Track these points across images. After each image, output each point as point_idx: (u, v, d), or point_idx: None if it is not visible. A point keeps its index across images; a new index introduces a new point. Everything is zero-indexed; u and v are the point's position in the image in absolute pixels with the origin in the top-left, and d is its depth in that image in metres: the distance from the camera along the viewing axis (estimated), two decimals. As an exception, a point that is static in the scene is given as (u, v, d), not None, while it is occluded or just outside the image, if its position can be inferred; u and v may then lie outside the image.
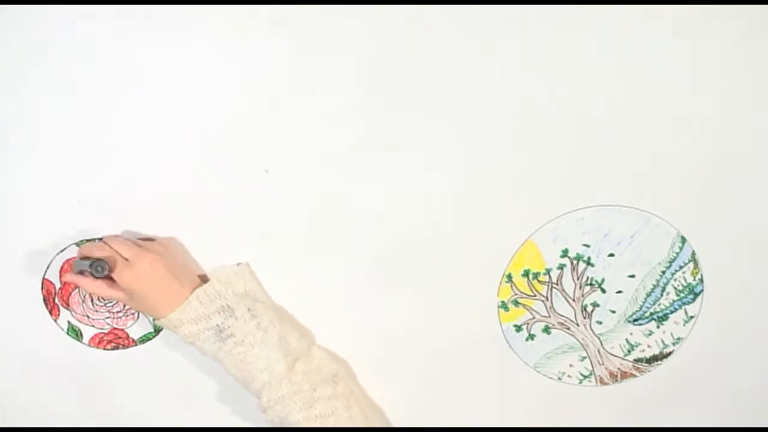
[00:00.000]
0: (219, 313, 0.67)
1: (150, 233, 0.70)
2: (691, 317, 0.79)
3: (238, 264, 0.71)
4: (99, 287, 0.66)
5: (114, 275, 0.64)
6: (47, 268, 0.71)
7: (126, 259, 0.65)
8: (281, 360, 0.68)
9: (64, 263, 0.71)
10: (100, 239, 0.69)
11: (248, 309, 0.68)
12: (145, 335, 0.75)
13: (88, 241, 0.70)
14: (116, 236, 0.69)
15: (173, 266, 0.66)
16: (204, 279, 0.71)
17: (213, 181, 0.68)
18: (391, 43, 0.63)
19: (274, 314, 0.70)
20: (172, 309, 0.66)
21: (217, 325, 0.66)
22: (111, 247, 0.65)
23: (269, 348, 0.68)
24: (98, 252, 0.65)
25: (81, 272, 0.66)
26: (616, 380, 0.82)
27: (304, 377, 0.69)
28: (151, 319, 0.74)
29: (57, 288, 0.72)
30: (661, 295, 0.77)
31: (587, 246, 0.74)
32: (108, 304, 0.74)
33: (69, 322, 0.74)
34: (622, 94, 0.67)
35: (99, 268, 0.63)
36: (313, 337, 0.76)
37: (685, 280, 0.77)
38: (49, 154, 0.66)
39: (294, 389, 0.68)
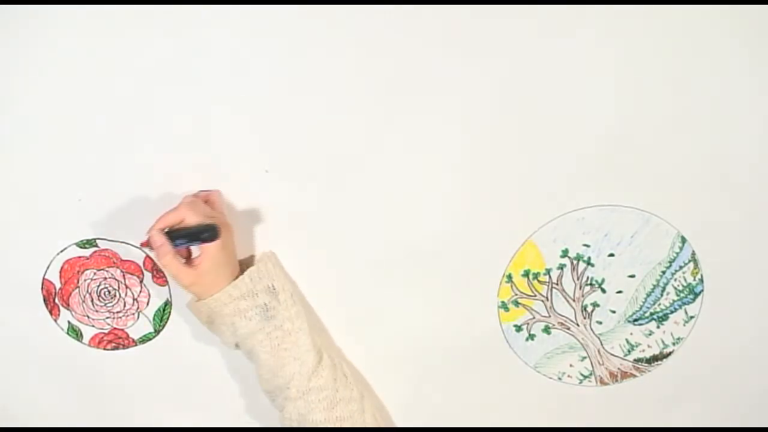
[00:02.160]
0: (265, 292, 0.67)
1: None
2: (691, 317, 0.79)
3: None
4: (180, 270, 0.63)
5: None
6: (47, 268, 0.71)
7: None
8: (312, 351, 0.68)
9: (64, 263, 0.71)
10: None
11: (291, 294, 0.69)
12: (145, 335, 0.75)
13: (87, 241, 0.70)
14: (189, 200, 0.65)
15: (233, 242, 0.67)
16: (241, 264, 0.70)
17: (213, 181, 0.68)
18: (391, 43, 0.63)
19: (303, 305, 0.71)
20: (219, 287, 0.65)
21: (265, 303, 0.66)
22: (194, 214, 0.63)
23: (305, 337, 0.68)
24: (191, 217, 0.62)
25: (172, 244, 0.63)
26: (616, 380, 0.82)
27: (329, 373, 0.69)
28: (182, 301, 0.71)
29: (57, 288, 0.72)
30: (661, 295, 0.77)
31: (587, 246, 0.74)
32: (108, 305, 0.74)
33: (69, 322, 0.74)
34: (623, 94, 0.67)
35: (213, 232, 0.62)
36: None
37: (685, 280, 0.77)
38: (49, 153, 0.66)
39: (321, 384, 0.68)
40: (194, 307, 0.68)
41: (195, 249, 0.67)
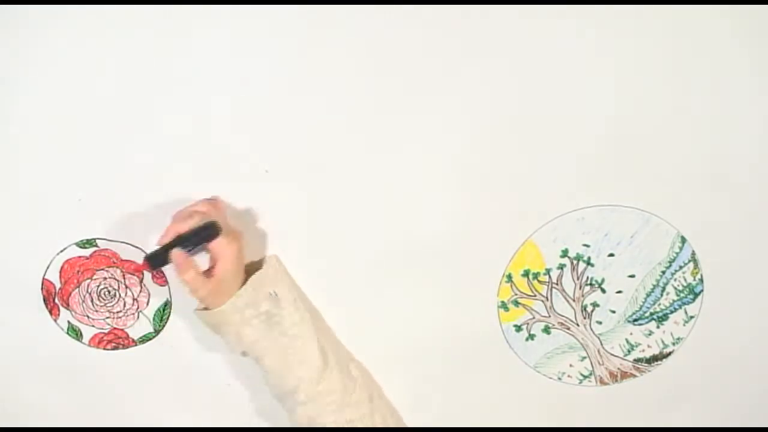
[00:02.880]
0: (268, 299, 0.67)
1: (149, 233, 0.70)
2: (691, 317, 0.79)
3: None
4: (195, 278, 0.62)
5: (219, 246, 0.62)
6: (47, 268, 0.71)
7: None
8: (319, 355, 0.68)
9: (64, 263, 0.71)
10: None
11: (294, 299, 0.68)
12: (145, 335, 0.75)
13: (87, 241, 0.70)
14: (209, 201, 0.64)
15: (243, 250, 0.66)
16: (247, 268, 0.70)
17: (213, 181, 0.68)
18: (391, 43, 0.63)
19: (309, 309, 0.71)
20: (229, 295, 0.65)
21: (268, 311, 0.66)
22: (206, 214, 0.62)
23: (310, 341, 0.68)
24: (194, 219, 0.61)
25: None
26: (616, 380, 0.82)
27: (338, 376, 0.69)
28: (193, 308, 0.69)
29: (57, 288, 0.72)
30: (661, 295, 0.77)
31: (587, 246, 0.74)
32: (108, 305, 0.74)
33: (69, 322, 0.74)
34: (623, 94, 0.67)
35: (212, 228, 0.61)
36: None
37: (685, 280, 0.77)
38: (49, 154, 0.66)
39: (330, 387, 0.68)
40: (200, 315, 0.68)
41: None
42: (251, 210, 0.70)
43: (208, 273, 0.64)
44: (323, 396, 0.68)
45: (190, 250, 0.62)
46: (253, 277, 0.66)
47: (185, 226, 0.62)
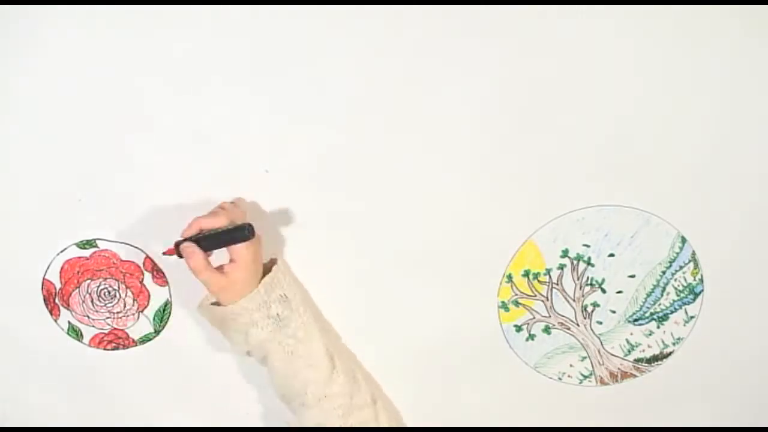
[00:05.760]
0: (278, 301, 0.66)
1: (149, 234, 0.70)
2: (691, 317, 0.79)
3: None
4: (211, 274, 0.63)
5: (239, 249, 0.63)
6: (47, 268, 0.71)
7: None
8: (326, 357, 0.68)
9: (64, 263, 0.71)
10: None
11: (302, 301, 0.68)
12: (145, 335, 0.75)
13: (87, 241, 0.70)
14: (229, 204, 0.66)
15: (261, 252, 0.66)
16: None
17: (213, 181, 0.68)
18: (391, 43, 0.63)
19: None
20: (242, 295, 0.65)
21: (278, 314, 0.66)
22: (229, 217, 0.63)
23: (318, 344, 0.68)
24: (218, 221, 0.62)
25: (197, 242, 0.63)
26: (616, 380, 0.82)
27: (345, 380, 0.69)
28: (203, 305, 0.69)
29: (57, 288, 0.72)
30: (662, 295, 0.77)
31: (587, 246, 0.74)
32: (108, 305, 0.74)
33: (69, 322, 0.74)
34: (622, 94, 0.67)
35: (246, 231, 0.61)
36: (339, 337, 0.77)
37: (685, 280, 0.77)
38: (49, 154, 0.66)
39: (337, 391, 0.68)
40: (208, 311, 0.67)
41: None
42: (251, 210, 0.70)
43: (221, 269, 0.64)
44: (330, 400, 0.68)
45: (213, 247, 0.63)
46: (266, 279, 0.66)
47: (210, 223, 0.63)
